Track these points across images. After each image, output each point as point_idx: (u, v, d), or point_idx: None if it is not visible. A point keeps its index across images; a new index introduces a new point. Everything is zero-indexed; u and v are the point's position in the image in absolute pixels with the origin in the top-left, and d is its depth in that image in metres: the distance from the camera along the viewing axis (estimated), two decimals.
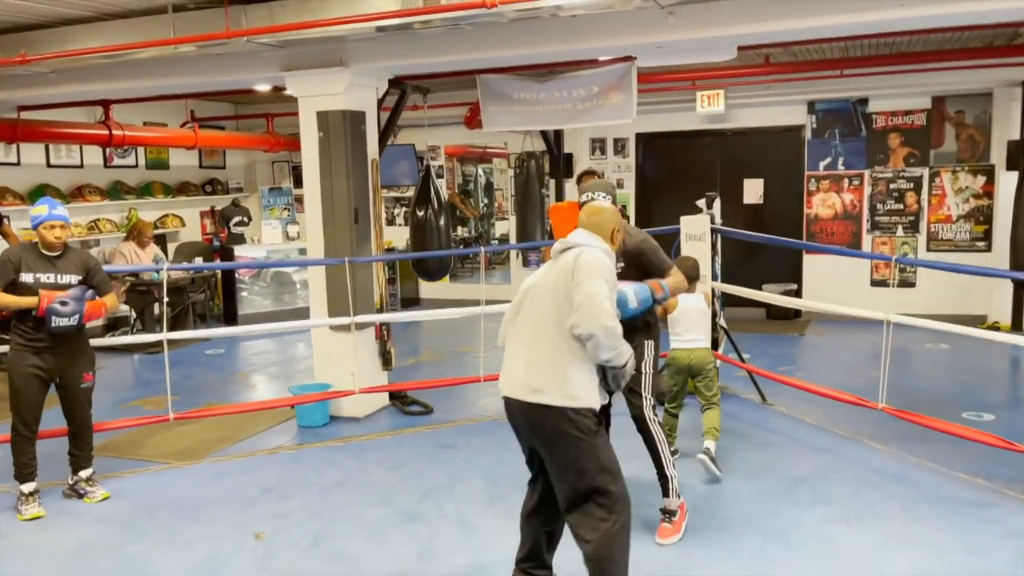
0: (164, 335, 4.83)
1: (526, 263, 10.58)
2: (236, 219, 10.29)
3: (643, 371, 3.80)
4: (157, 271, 5.12)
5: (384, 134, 6.39)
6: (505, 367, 2.94)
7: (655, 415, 3.83)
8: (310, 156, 5.69)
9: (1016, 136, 8.14)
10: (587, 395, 2.75)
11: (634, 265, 3.70)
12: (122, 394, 6.69)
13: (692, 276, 4.65)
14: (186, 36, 4.82)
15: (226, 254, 9.86)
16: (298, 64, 5.55)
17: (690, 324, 4.65)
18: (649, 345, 3.87)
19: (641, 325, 3.79)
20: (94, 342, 4.76)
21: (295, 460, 5.02)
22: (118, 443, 5.32)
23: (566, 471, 2.79)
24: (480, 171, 14.60)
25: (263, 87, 6.95)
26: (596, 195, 3.51)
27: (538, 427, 2.80)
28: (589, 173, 6.26)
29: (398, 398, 6.09)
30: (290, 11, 4.69)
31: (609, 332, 2.69)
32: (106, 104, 7.70)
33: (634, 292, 3.41)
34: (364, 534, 3.94)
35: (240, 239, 10.19)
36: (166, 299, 5.10)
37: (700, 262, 5.67)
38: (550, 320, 2.79)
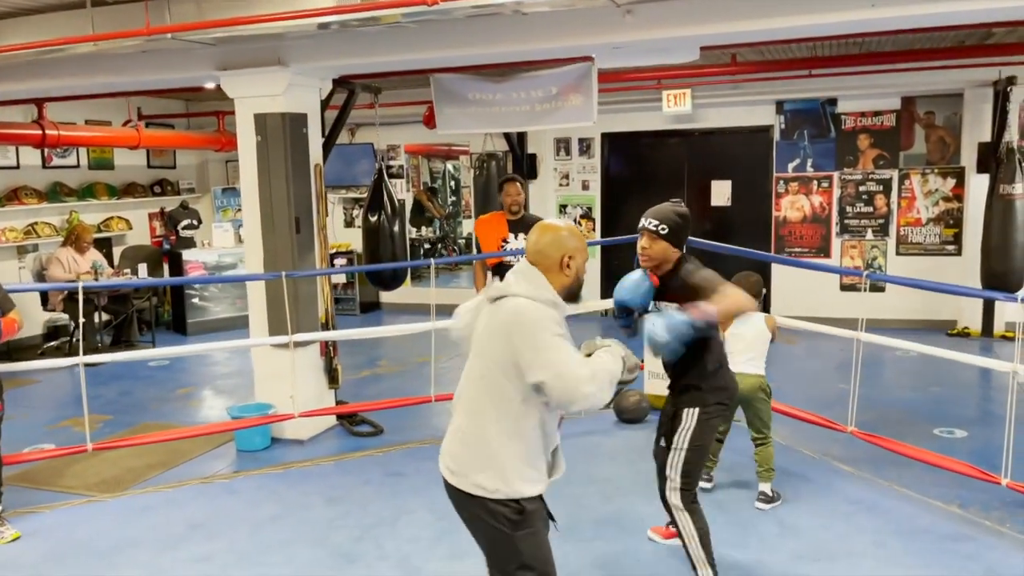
0: (80, 359, 4.42)
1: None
2: (185, 222, 9.83)
3: (675, 446, 3.14)
4: (75, 288, 4.67)
5: (331, 136, 6.02)
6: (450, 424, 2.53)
7: (684, 503, 3.14)
8: (247, 162, 5.33)
9: (987, 138, 7.96)
10: (509, 484, 2.30)
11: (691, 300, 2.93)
12: (54, 412, 6.28)
13: (752, 294, 4.31)
14: (104, 33, 4.43)
15: (175, 259, 9.42)
16: (233, 63, 5.19)
17: (744, 346, 4.20)
18: (690, 414, 3.14)
19: (684, 388, 3.18)
20: (5, 367, 4.39)
21: (228, 491, 4.66)
22: (37, 471, 4.92)
23: (489, 558, 2.46)
24: (450, 167, 14.17)
25: (209, 85, 6.54)
26: (647, 221, 3.04)
27: (458, 507, 2.45)
28: (511, 180, 5.92)
29: (346, 417, 5.74)
30: (218, 6, 4.32)
31: (594, 395, 2.22)
32: (39, 103, 7.26)
33: (665, 327, 2.70)
34: None
35: (190, 243, 9.74)
36: (80, 319, 4.69)
37: None
38: (477, 386, 2.36)
